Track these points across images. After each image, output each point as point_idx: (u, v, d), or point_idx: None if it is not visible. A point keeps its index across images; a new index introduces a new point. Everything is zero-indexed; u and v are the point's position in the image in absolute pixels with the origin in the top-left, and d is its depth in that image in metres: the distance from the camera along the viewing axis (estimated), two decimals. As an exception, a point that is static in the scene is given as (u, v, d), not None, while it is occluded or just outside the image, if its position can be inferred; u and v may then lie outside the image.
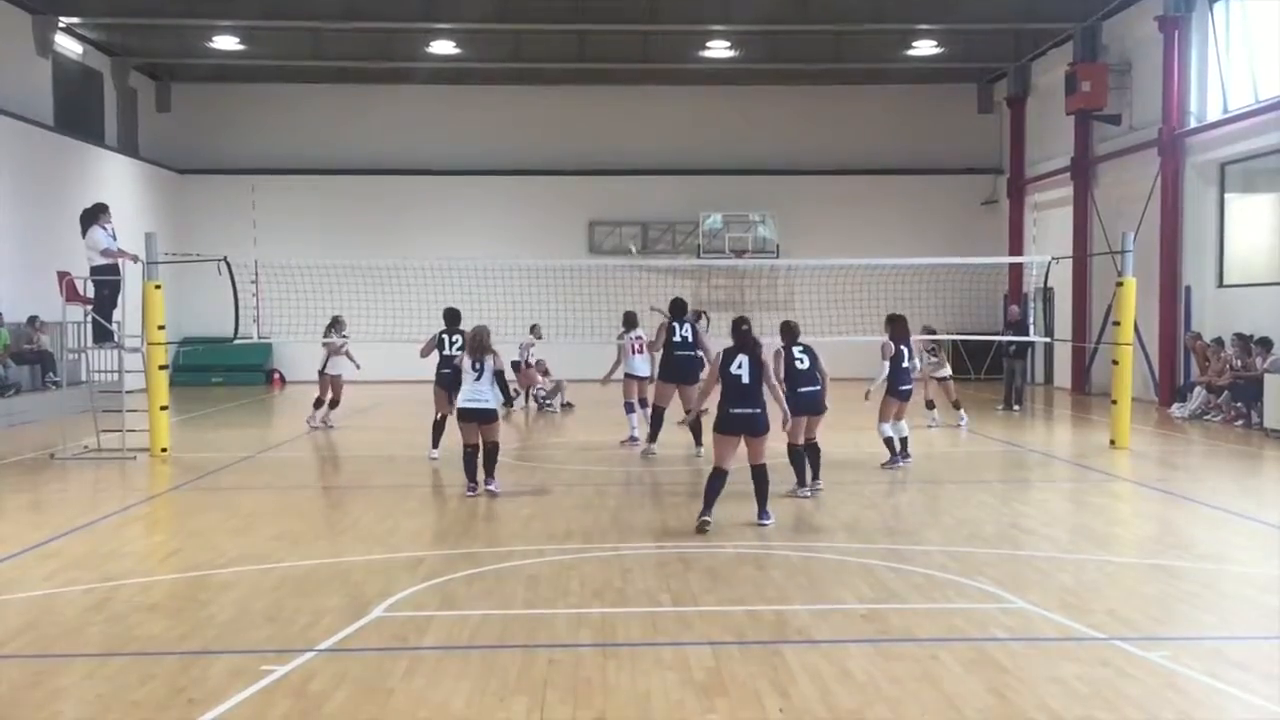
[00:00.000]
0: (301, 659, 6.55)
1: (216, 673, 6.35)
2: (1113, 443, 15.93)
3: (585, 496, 12.13)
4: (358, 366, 18.09)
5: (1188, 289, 21.91)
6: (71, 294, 15.43)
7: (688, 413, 14.67)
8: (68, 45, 25.55)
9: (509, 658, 6.60)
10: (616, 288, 22.06)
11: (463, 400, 11.81)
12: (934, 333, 18.40)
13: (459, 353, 12.89)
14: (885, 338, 14.07)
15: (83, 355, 16.75)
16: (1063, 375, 27.17)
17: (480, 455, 11.93)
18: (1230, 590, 8.33)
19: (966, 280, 25.60)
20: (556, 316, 21.38)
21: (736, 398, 9.99)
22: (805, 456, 11.91)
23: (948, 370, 18.71)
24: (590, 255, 29.94)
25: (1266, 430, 17.19)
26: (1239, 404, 18.58)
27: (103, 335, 15.43)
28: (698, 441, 14.80)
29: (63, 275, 15.44)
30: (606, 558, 9.11)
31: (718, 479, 10.10)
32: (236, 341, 17.75)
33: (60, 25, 24.59)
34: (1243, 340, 18.99)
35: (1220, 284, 21.33)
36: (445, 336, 14.39)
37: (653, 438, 15.19)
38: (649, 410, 15.70)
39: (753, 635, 7.04)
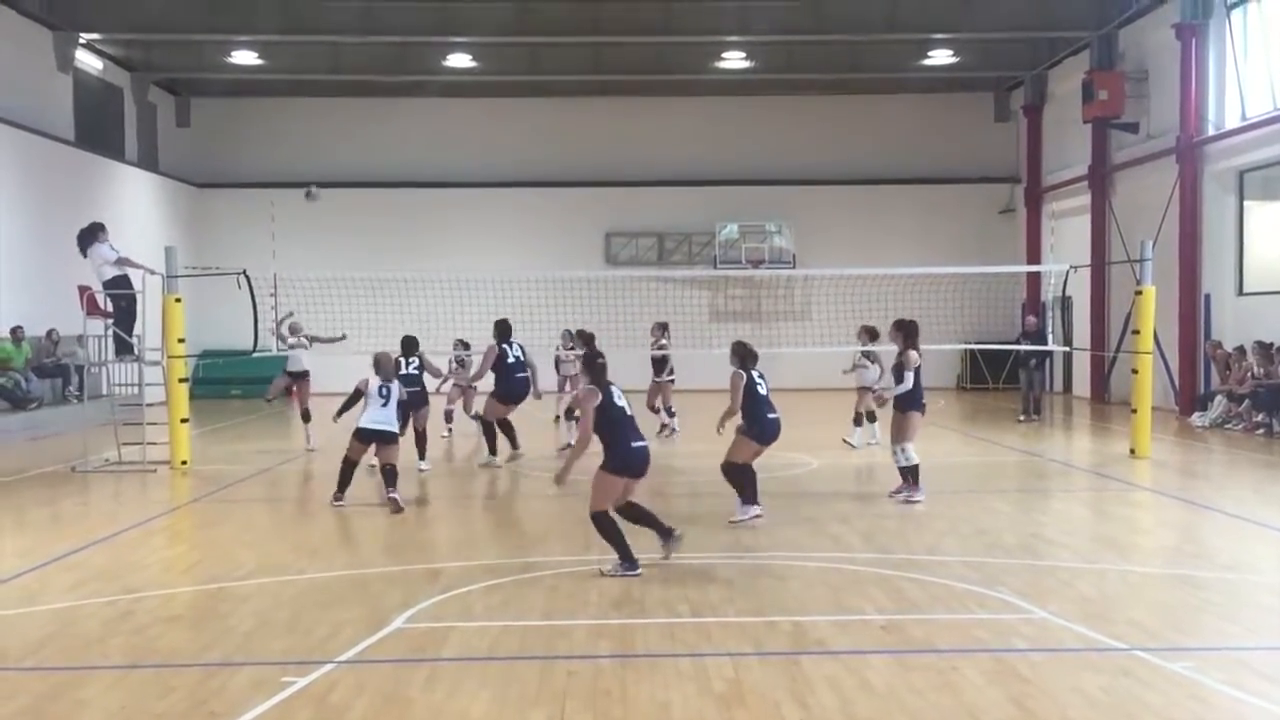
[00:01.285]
0: (322, 670, 6.57)
1: (237, 684, 6.37)
2: (1133, 452, 15.84)
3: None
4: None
5: (1207, 297, 21.80)
6: (92, 308, 15.53)
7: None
8: (88, 61, 25.77)
9: (528, 669, 6.61)
10: (634, 299, 22.08)
11: (366, 421, 12.14)
12: (875, 335, 16.45)
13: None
14: (900, 346, 12.62)
15: (103, 369, 16.84)
16: (1081, 384, 27.04)
17: (379, 471, 12.35)
18: (1253, 600, 8.27)
19: (983, 289, 25.55)
20: (572, 328, 21.37)
21: (634, 431, 9.08)
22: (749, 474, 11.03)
23: (874, 377, 16.65)
24: (607, 266, 29.97)
25: (1288, 439, 17.08)
26: (1260, 413, 18.46)
27: (123, 349, 15.53)
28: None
29: (83, 289, 15.55)
30: (625, 569, 9.10)
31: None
32: (255, 354, 17.82)
33: (81, 41, 24.83)
34: (1263, 348, 18.88)
35: (1240, 292, 21.21)
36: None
37: (493, 450, 15.23)
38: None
39: (771, 646, 7.02)
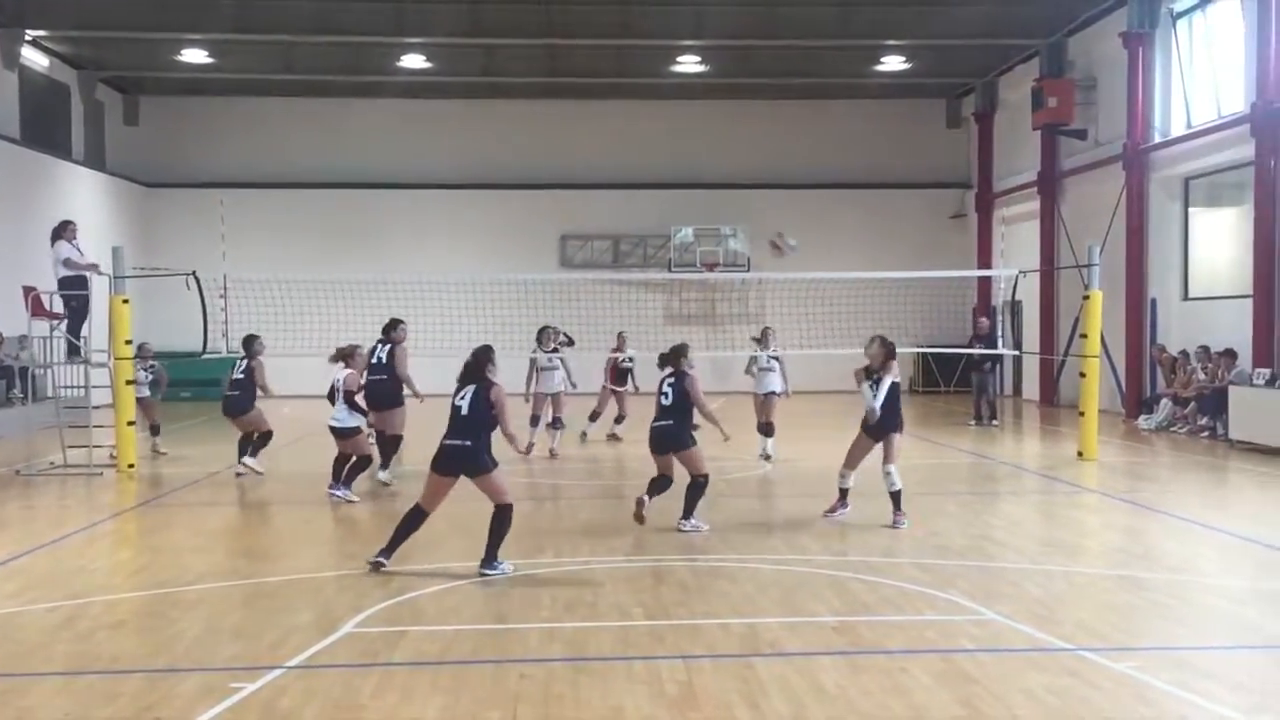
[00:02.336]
0: (271, 676, 6.50)
1: (185, 691, 6.29)
2: (1080, 454, 16.06)
3: (557, 510, 12.12)
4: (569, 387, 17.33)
5: (1153, 302, 22.15)
6: (37, 309, 15.30)
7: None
8: (34, 58, 25.35)
9: (481, 673, 6.58)
10: (589, 302, 22.07)
11: (330, 420, 12.87)
12: (767, 337, 16.14)
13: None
14: (881, 363, 11.30)
15: (49, 370, 16.59)
16: (1031, 387, 27.38)
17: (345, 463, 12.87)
18: (1197, 601, 8.41)
19: (935, 293, 25.83)
20: (528, 331, 21.31)
21: (451, 429, 9.08)
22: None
23: (778, 385, 16.07)
24: (562, 269, 29.96)
25: (1232, 442, 17.38)
26: (1205, 416, 18.78)
27: (74, 350, 15.34)
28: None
29: (28, 290, 15.31)
30: (578, 571, 9.11)
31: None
32: (205, 356, 17.63)
33: (26, 38, 24.42)
34: (1207, 352, 19.22)
35: (1185, 297, 21.57)
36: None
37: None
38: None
39: (724, 648, 7.04)
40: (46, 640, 7.31)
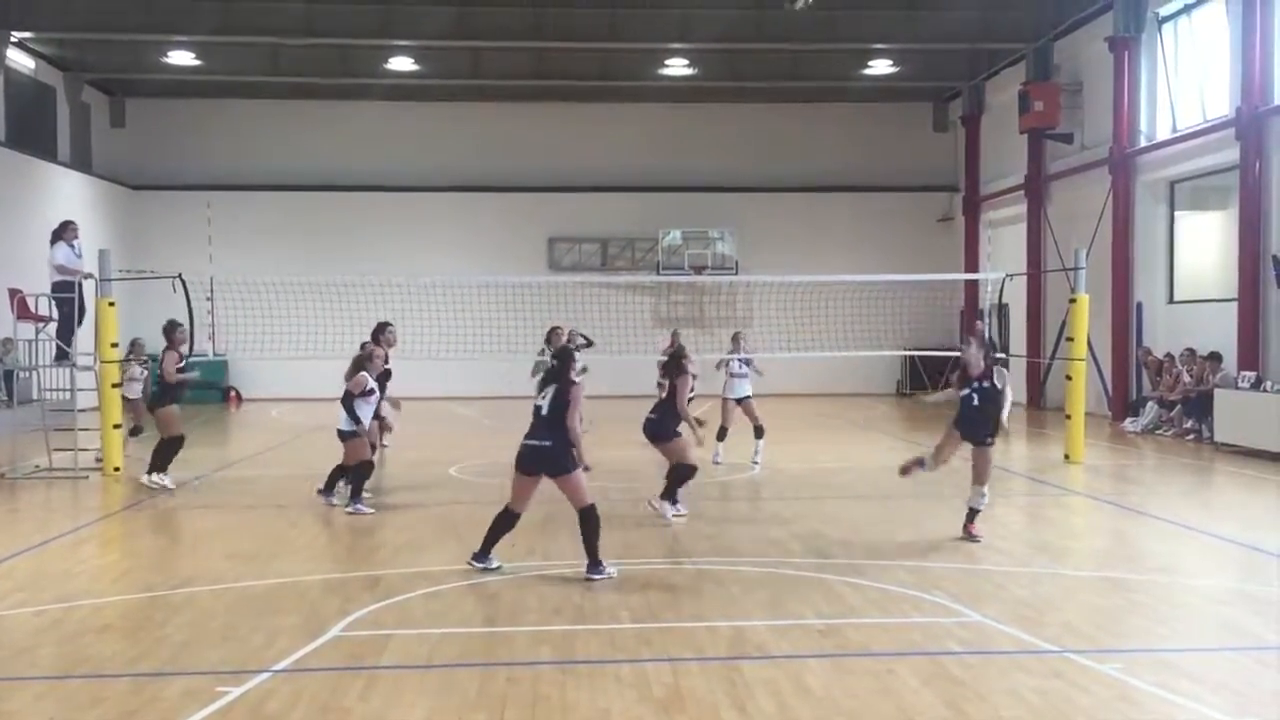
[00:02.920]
0: (257, 680, 6.49)
1: (170, 694, 6.28)
2: (1067, 457, 16.12)
3: (545, 513, 12.09)
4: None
5: (1139, 305, 22.24)
6: (23, 311, 15.24)
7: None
8: (20, 60, 25.25)
9: (468, 676, 6.58)
10: (577, 305, 22.08)
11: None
12: (738, 342, 16.06)
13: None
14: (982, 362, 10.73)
15: (34, 373, 16.52)
16: (1017, 390, 27.35)
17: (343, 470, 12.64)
18: (1182, 602, 8.45)
19: (922, 296, 25.89)
20: (516, 333, 21.33)
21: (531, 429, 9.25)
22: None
23: (749, 389, 15.84)
24: (550, 272, 29.96)
25: (1217, 444, 17.47)
26: (1190, 419, 18.87)
27: (62, 355, 15.28)
28: None
29: (14, 293, 15.25)
30: (566, 575, 9.10)
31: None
32: (192, 359, 17.55)
33: (12, 40, 24.32)
34: (1193, 355, 19.31)
35: (1171, 300, 21.67)
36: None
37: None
38: None
39: (711, 651, 7.05)
40: (32, 644, 7.28)
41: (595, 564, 8.95)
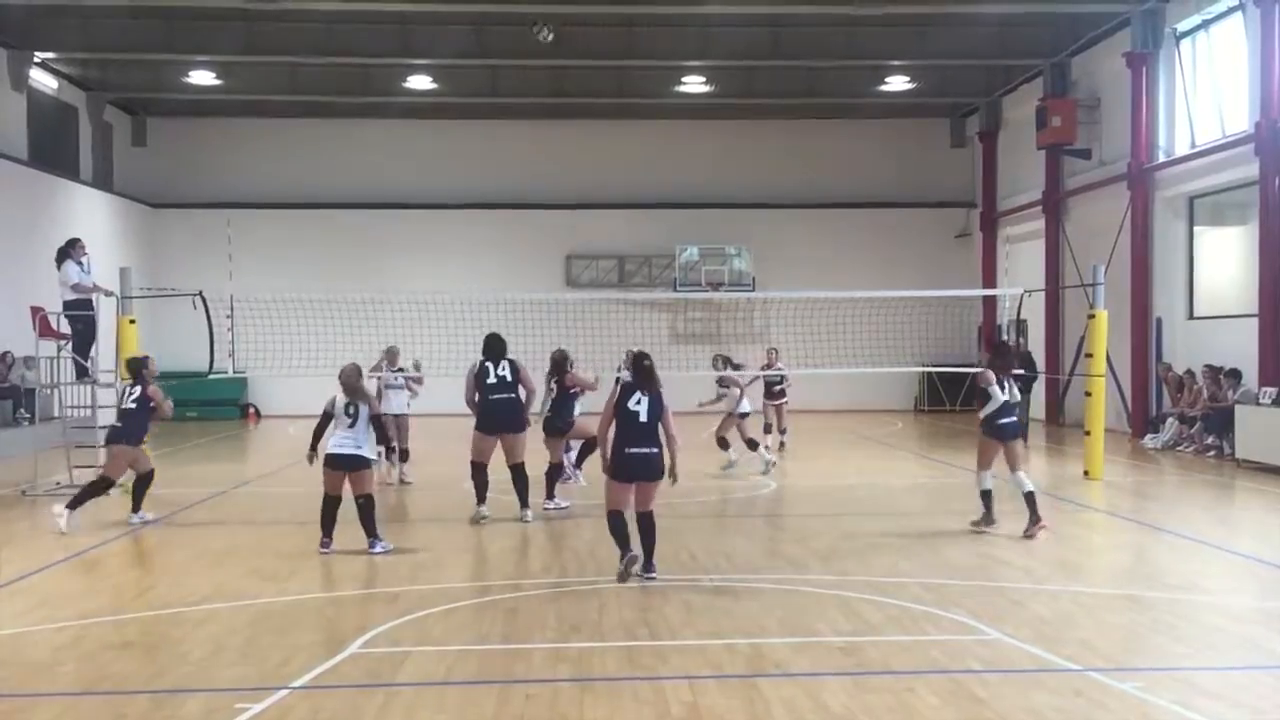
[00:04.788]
0: (276, 696, 6.50)
1: (189, 711, 6.30)
2: (1086, 473, 16.04)
3: (561, 530, 12.11)
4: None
5: (1159, 321, 22.14)
6: (45, 329, 15.36)
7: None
8: (43, 80, 25.53)
9: (486, 693, 6.58)
10: (594, 322, 22.10)
11: (332, 446, 10.82)
12: (728, 362, 17.35)
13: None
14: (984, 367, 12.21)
15: (55, 391, 16.63)
16: (1036, 407, 27.26)
17: (356, 509, 10.85)
18: (1202, 620, 8.39)
19: (940, 313, 25.81)
20: (533, 351, 21.37)
21: (635, 437, 9.32)
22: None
23: (746, 405, 16.68)
24: (567, 289, 30.02)
25: (1238, 461, 17.35)
26: (1211, 435, 18.75)
27: (82, 372, 15.37)
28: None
29: (36, 310, 15.38)
30: (584, 591, 9.10)
31: (618, 519, 9.41)
32: (211, 376, 17.67)
33: (35, 60, 24.59)
34: (1213, 371, 19.19)
35: (1190, 316, 21.57)
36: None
37: (480, 499, 12.56)
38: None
39: (729, 669, 7.04)
40: (52, 660, 7.32)
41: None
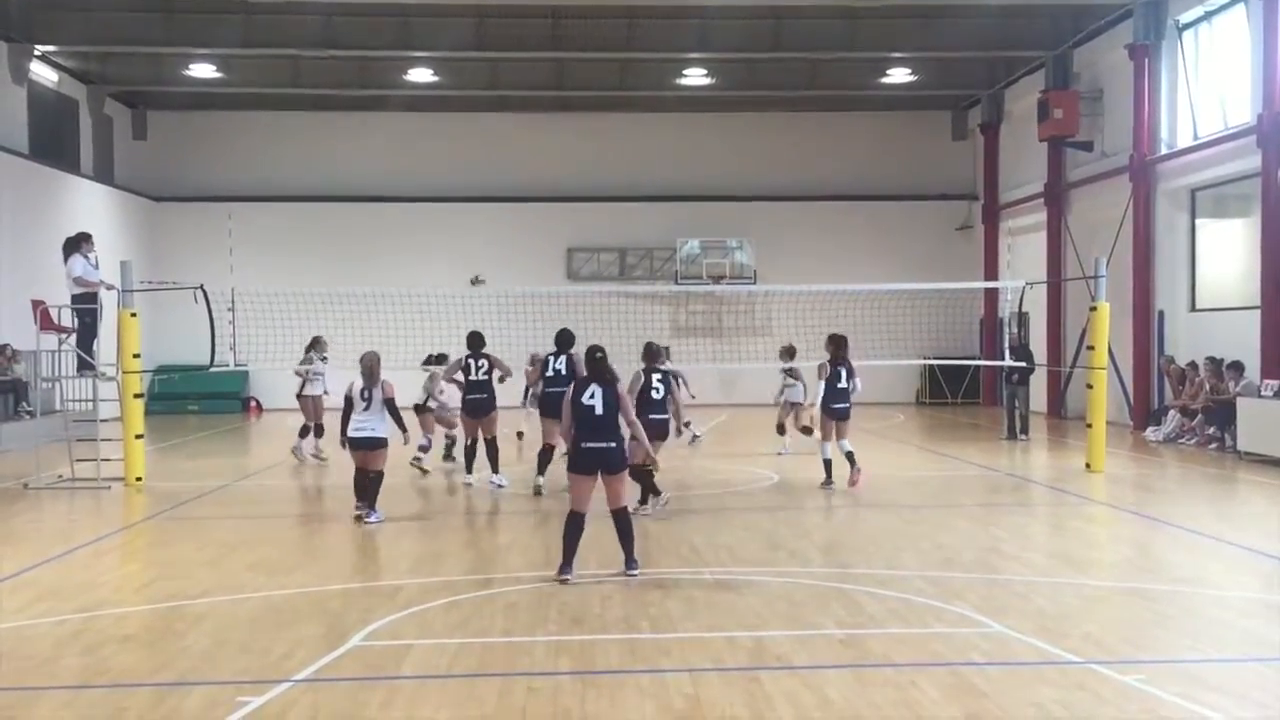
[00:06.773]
0: (278, 689, 6.51)
1: (192, 704, 6.30)
2: (1088, 466, 16.03)
3: (561, 523, 12.08)
4: (326, 392, 17.78)
5: (1160, 313, 22.11)
6: (46, 322, 15.34)
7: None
8: (43, 73, 25.49)
9: (487, 686, 6.58)
10: (595, 314, 22.09)
11: (352, 430, 12.05)
12: (793, 354, 18.34)
13: (485, 376, 14.44)
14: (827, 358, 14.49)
15: (57, 384, 16.63)
16: (1038, 399, 27.25)
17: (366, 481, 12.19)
18: (1205, 613, 8.38)
19: (942, 305, 25.81)
20: (534, 344, 21.37)
21: (590, 431, 9.20)
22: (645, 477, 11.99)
23: (800, 396, 18.09)
24: (569, 282, 29.99)
25: (1240, 453, 17.33)
26: (1213, 427, 18.74)
27: (84, 365, 15.35)
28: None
29: (37, 304, 15.36)
30: (585, 584, 9.09)
31: (574, 525, 9.27)
32: (212, 369, 17.67)
33: (36, 53, 24.56)
34: (1215, 364, 19.17)
35: (1193, 308, 21.53)
36: (471, 361, 14.54)
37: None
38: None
39: (731, 662, 7.04)
40: (54, 654, 7.32)
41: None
